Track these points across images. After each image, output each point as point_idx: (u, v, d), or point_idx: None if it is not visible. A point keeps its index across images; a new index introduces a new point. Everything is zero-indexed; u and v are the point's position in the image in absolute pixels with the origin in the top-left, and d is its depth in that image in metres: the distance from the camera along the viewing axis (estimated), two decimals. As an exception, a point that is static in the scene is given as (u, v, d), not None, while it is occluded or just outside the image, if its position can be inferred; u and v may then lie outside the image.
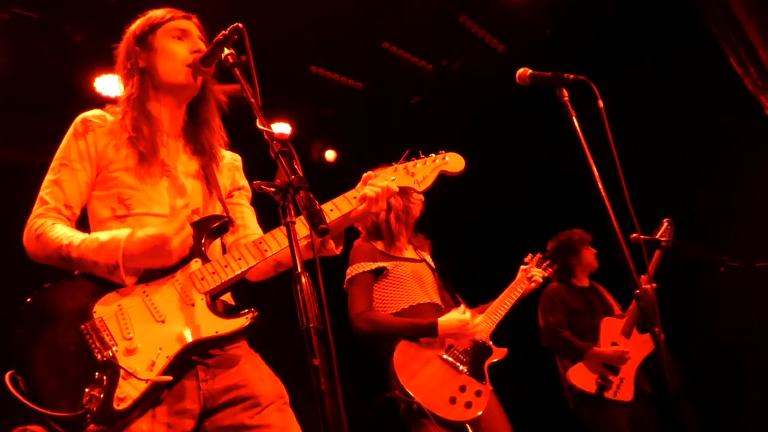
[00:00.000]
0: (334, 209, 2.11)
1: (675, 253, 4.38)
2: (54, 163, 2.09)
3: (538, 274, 3.86)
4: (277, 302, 2.57)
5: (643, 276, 4.06)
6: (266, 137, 1.67)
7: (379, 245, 3.66)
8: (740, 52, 4.71)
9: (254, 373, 2.03)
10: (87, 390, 1.74)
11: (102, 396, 1.74)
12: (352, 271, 3.57)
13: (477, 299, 3.88)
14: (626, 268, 2.27)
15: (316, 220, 1.51)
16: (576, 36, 5.63)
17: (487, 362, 3.50)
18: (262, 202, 2.20)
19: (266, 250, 1.99)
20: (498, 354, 3.57)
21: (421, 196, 3.75)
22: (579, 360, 4.35)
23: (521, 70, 2.68)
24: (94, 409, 1.72)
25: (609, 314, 4.55)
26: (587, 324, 4.51)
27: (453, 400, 3.26)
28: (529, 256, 4.07)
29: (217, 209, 2.19)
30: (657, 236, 4.39)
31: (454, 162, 2.38)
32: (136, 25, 2.24)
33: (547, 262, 4.08)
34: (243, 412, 1.95)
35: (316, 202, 1.57)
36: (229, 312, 1.96)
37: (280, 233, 2.01)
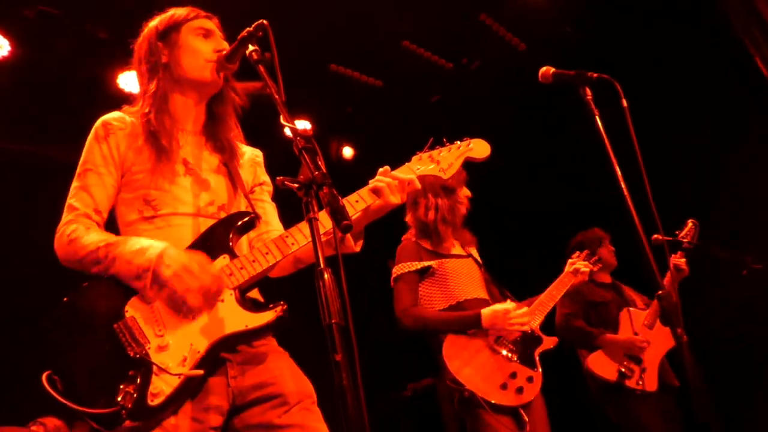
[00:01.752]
0: (360, 200, 2.07)
1: (698, 254, 4.34)
2: (79, 169, 2.09)
3: (584, 267, 3.91)
4: (301, 298, 2.57)
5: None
6: (290, 133, 1.68)
7: (426, 243, 3.68)
8: (766, 52, 4.65)
9: (283, 371, 2.04)
10: (122, 387, 1.79)
11: (136, 392, 1.78)
12: (397, 270, 3.60)
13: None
14: (648, 268, 2.25)
15: (339, 216, 1.52)
16: (596, 34, 5.59)
17: (537, 351, 3.53)
18: (281, 198, 2.21)
19: (293, 244, 1.98)
20: (548, 343, 3.60)
21: (468, 192, 3.77)
22: (595, 348, 4.35)
23: (544, 68, 2.67)
24: (129, 405, 1.76)
25: (629, 306, 4.53)
26: (607, 316, 4.50)
27: (504, 386, 3.29)
28: (577, 252, 4.12)
29: (242, 205, 2.19)
30: (680, 237, 4.35)
31: (479, 148, 2.35)
32: (157, 22, 2.24)
33: (595, 258, 4.15)
34: (271, 410, 1.95)
35: (340, 199, 1.57)
36: (258, 306, 1.96)
37: (306, 227, 1.98)
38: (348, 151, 6.76)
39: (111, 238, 1.98)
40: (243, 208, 2.18)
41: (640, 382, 4.19)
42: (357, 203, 2.06)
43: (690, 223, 4.42)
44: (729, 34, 4.84)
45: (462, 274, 3.63)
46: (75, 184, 2.08)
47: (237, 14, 2.38)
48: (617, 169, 2.37)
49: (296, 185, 1.63)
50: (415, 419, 6.43)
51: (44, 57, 4.76)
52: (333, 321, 1.46)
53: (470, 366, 3.32)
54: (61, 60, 4.85)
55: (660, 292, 2.27)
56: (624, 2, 5.40)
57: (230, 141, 2.24)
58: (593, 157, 2.48)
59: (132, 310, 1.91)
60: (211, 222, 2.07)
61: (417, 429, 6.41)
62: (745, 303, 5.11)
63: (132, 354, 1.83)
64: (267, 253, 1.98)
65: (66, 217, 2.04)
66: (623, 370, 4.19)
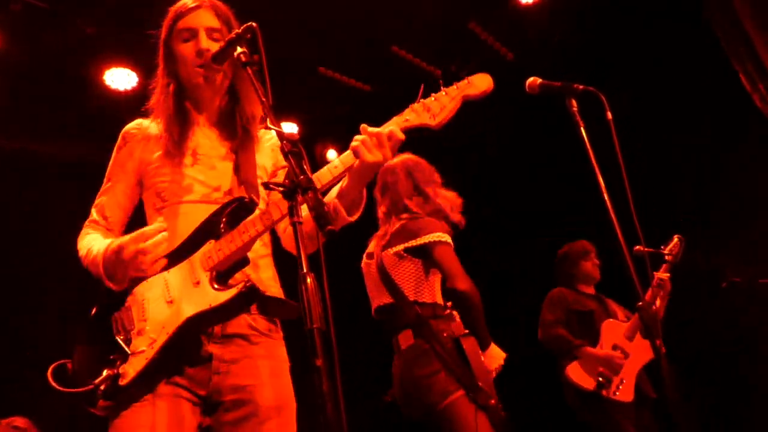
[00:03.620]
0: (339, 165, 1.95)
1: (678, 266, 4.38)
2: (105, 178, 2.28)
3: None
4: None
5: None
6: (276, 136, 1.67)
7: None
8: (749, 68, 4.71)
9: (267, 380, 2.02)
10: (105, 371, 1.95)
11: (112, 373, 1.94)
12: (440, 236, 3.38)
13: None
14: (630, 279, 2.27)
15: (323, 221, 1.51)
16: (584, 45, 5.64)
17: None
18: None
19: (269, 219, 1.92)
20: None
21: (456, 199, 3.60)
22: (574, 358, 4.38)
23: (531, 79, 2.69)
24: (105, 385, 1.93)
25: (611, 317, 4.57)
26: (589, 325, 4.54)
27: None
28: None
29: (252, 191, 2.13)
30: (664, 251, 4.39)
31: (477, 82, 2.07)
32: (164, 25, 2.23)
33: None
34: (244, 419, 1.96)
35: (325, 204, 1.57)
36: (227, 286, 1.94)
37: (283, 202, 1.86)
38: (332, 155, 6.75)
39: (92, 246, 2.10)
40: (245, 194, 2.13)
41: (617, 393, 4.22)
42: (335, 168, 1.94)
43: (676, 238, 4.46)
44: (715, 50, 4.89)
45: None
46: (100, 192, 2.28)
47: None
48: (600, 180, 2.39)
49: (281, 189, 1.63)
50: (395, 425, 6.41)
51: (30, 52, 4.71)
52: (315, 326, 1.46)
53: None
54: (48, 55, 4.81)
55: (639, 303, 2.29)
56: (611, 15, 5.46)
57: (245, 125, 2.20)
58: (579, 168, 2.50)
59: (131, 299, 2.03)
60: (215, 208, 2.06)
61: (397, 435, 6.40)
62: (724, 315, 5.16)
63: (117, 340, 1.98)
64: (243, 232, 1.94)
65: (86, 222, 2.26)
66: (601, 380, 4.22)
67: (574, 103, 2.55)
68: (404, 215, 3.49)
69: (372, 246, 3.60)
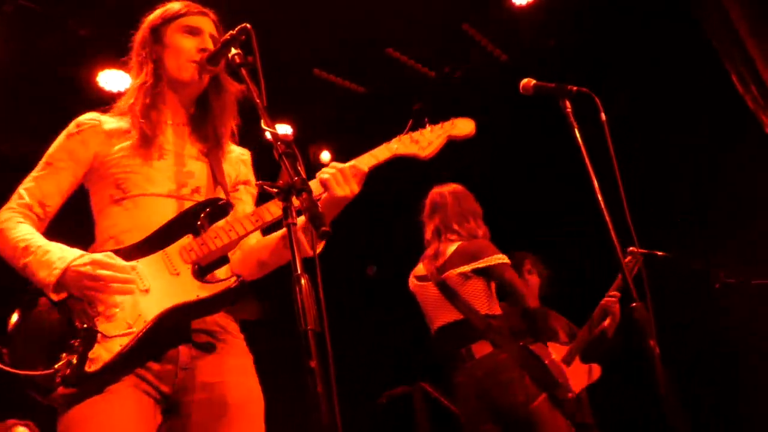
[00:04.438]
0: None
1: (673, 267, 4.38)
2: (41, 160, 2.12)
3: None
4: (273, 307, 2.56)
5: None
6: (270, 138, 1.67)
7: None
8: (742, 70, 4.73)
9: (233, 377, 2.01)
10: (64, 355, 1.80)
11: (76, 360, 1.78)
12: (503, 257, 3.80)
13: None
14: (623, 280, 2.28)
15: (317, 222, 1.51)
16: (578, 47, 5.65)
17: None
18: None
19: (257, 221, 1.96)
20: None
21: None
22: None
23: (525, 80, 2.69)
24: (66, 372, 1.77)
25: (551, 340, 4.33)
26: None
27: None
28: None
29: (220, 193, 2.17)
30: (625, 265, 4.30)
31: (461, 126, 2.26)
32: (153, 16, 2.24)
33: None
34: (211, 416, 1.93)
35: (318, 205, 1.57)
36: (214, 279, 1.96)
37: (273, 205, 1.97)
38: (326, 156, 6.74)
39: (32, 239, 1.96)
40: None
41: None
42: None
43: (630, 255, 4.37)
44: (708, 52, 4.91)
45: None
46: (32, 173, 2.11)
47: (221, 18, 2.37)
48: (594, 181, 2.39)
49: (275, 190, 1.63)
50: (390, 427, 6.42)
51: (23, 54, 4.69)
52: (309, 327, 1.46)
53: None
54: (41, 57, 4.78)
55: (633, 304, 2.29)
56: (605, 17, 5.47)
57: (216, 131, 2.22)
58: (573, 169, 2.50)
59: None
60: (184, 203, 2.07)
61: (392, 437, 6.41)
62: (718, 316, 5.17)
63: (78, 324, 1.83)
64: (230, 230, 1.96)
65: (9, 203, 2.07)
66: None
67: (568, 104, 2.56)
68: (453, 236, 3.84)
69: (422, 269, 3.92)
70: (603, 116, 2.47)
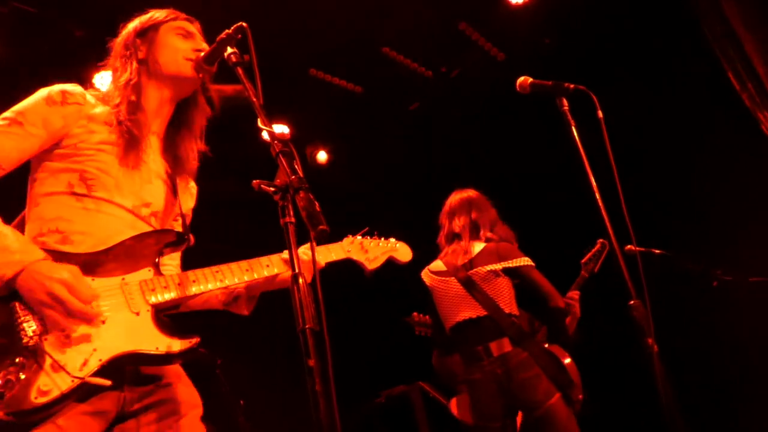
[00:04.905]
0: (271, 265, 2.11)
1: (669, 265, 4.38)
2: (7, 113, 1.94)
3: None
4: (273, 305, 2.57)
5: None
6: (267, 137, 1.67)
7: None
8: (738, 68, 4.73)
9: (176, 380, 1.99)
10: (3, 373, 1.60)
11: (20, 382, 1.60)
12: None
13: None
14: (621, 278, 2.28)
15: (315, 221, 1.51)
16: (575, 46, 5.66)
17: None
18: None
19: (222, 279, 2.00)
20: None
21: None
22: (457, 392, 4.23)
23: (522, 78, 2.69)
24: (8, 394, 1.58)
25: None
26: None
27: None
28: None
29: (176, 222, 2.17)
30: (584, 261, 4.32)
31: (402, 251, 2.57)
32: (136, 22, 2.22)
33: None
34: (162, 419, 1.90)
35: (316, 203, 1.56)
36: (173, 331, 1.86)
37: (237, 268, 2.05)
38: (323, 156, 6.73)
39: None
40: (175, 225, 2.16)
41: None
42: (268, 267, 2.11)
43: (598, 244, 4.35)
44: (704, 49, 4.92)
45: None
46: None
47: (217, 17, 2.37)
48: (592, 179, 2.39)
49: (272, 189, 1.62)
50: (389, 426, 6.41)
51: (18, 55, 4.68)
52: (307, 326, 1.45)
53: None
54: (37, 58, 4.77)
55: (631, 302, 2.29)
56: (601, 15, 5.47)
57: (186, 153, 2.18)
58: (570, 167, 2.50)
59: None
60: (141, 224, 2.01)
61: (390, 436, 6.40)
62: (715, 314, 5.18)
63: (25, 339, 1.64)
64: (195, 281, 1.95)
65: None
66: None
67: (565, 102, 2.56)
68: (483, 236, 3.96)
69: (441, 264, 3.99)
70: (600, 114, 2.47)
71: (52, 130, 1.94)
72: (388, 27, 5.48)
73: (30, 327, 1.66)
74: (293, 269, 1.51)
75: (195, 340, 1.87)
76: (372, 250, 2.45)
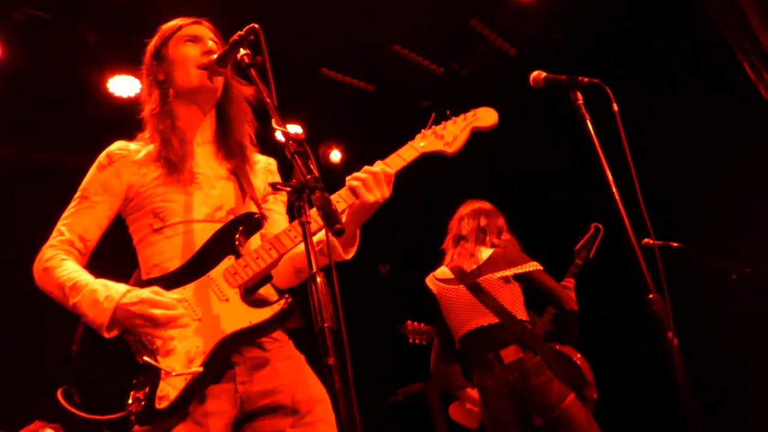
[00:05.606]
0: (340, 201, 1.99)
1: (687, 259, 4.35)
2: (76, 194, 2.15)
3: None
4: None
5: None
6: (282, 137, 1.67)
7: None
8: (754, 59, 4.68)
9: (293, 378, 2.03)
10: (132, 393, 1.85)
11: (144, 398, 1.83)
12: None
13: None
14: (639, 272, 2.27)
15: (331, 220, 1.51)
16: (586, 41, 5.63)
17: None
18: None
19: (296, 236, 1.96)
20: None
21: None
22: (457, 397, 4.23)
23: (535, 73, 2.68)
24: (138, 410, 1.81)
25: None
26: None
27: None
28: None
29: (251, 208, 2.19)
30: (577, 248, 4.29)
31: (485, 116, 2.25)
32: (152, 42, 2.28)
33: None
34: (283, 418, 1.95)
35: (332, 203, 1.57)
36: (263, 303, 1.96)
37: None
38: (336, 155, 6.74)
39: (79, 278, 1.98)
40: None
41: None
42: (337, 203, 1.98)
43: (592, 228, 4.32)
44: (719, 41, 4.87)
45: None
46: (68, 208, 2.15)
47: (228, 19, 2.38)
48: (608, 173, 2.37)
49: (288, 189, 1.63)
50: (406, 424, 6.42)
51: (33, 60, 4.72)
52: (326, 325, 1.46)
53: None
54: (51, 63, 4.81)
55: (650, 296, 2.27)
56: (613, 9, 5.44)
57: (241, 145, 2.24)
58: (585, 162, 2.49)
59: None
60: (220, 227, 2.08)
61: (407, 434, 6.41)
62: (735, 306, 5.13)
63: (140, 360, 1.87)
64: (270, 249, 1.97)
65: (50, 240, 2.10)
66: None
67: (579, 96, 2.54)
68: (490, 243, 3.95)
69: (447, 271, 3.94)
70: (615, 107, 2.45)
71: (115, 191, 2.13)
72: (399, 25, 5.47)
73: (140, 349, 1.89)
74: (310, 268, 1.51)
75: (285, 300, 1.92)
76: (449, 132, 2.18)
